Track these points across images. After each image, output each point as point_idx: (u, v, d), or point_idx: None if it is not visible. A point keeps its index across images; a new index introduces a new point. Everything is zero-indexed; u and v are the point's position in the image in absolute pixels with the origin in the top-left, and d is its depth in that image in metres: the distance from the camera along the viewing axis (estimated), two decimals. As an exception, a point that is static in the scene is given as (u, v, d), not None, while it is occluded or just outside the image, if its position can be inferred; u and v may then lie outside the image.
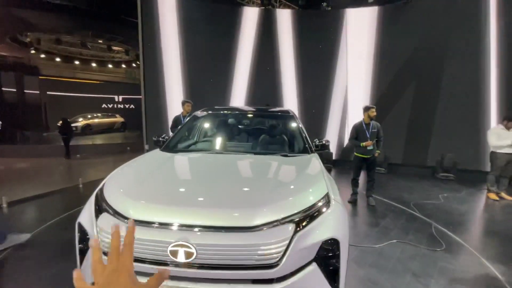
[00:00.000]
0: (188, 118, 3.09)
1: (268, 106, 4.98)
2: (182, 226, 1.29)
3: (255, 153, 2.40)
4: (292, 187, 1.65)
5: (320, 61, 7.42)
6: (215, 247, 1.24)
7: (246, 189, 1.63)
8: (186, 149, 2.61)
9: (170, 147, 2.64)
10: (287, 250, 1.28)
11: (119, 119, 17.21)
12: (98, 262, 0.45)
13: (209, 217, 1.33)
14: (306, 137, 2.72)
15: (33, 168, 7.54)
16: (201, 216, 1.33)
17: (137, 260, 1.28)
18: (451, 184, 5.97)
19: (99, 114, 16.62)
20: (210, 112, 3.18)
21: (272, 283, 1.26)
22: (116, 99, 20.58)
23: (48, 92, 17.36)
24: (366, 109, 4.31)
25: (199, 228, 1.28)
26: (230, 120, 3.10)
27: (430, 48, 6.68)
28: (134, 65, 19.04)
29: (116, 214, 1.41)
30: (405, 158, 7.10)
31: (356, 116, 7.19)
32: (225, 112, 3.17)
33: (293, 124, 2.93)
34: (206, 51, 7.26)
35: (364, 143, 4.24)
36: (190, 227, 1.29)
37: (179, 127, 3.03)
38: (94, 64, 19.17)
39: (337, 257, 1.44)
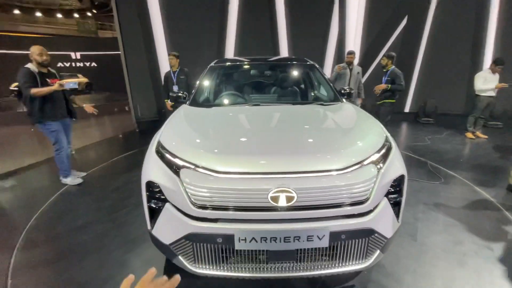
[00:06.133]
0: (206, 71, 2.88)
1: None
2: (280, 174, 1.32)
3: (293, 103, 2.38)
4: (357, 131, 1.72)
5: (314, 10, 7.03)
6: (313, 190, 1.30)
7: (319, 135, 1.66)
8: (217, 103, 2.50)
9: (199, 101, 2.51)
10: (373, 188, 1.39)
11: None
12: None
13: (305, 163, 1.36)
14: (332, 86, 2.73)
15: (5, 139, 6.79)
16: (298, 163, 1.36)
17: (239, 209, 1.32)
18: (432, 127, 6.55)
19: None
20: (228, 63, 2.99)
21: (361, 216, 1.38)
22: (73, 57, 18.23)
23: (-13, 50, 14.81)
24: None
25: (297, 174, 1.32)
26: (252, 71, 2.96)
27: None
28: (89, 14, 16.50)
29: (201, 168, 1.39)
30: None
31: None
32: (244, 63, 3.00)
33: (317, 73, 2.89)
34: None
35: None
36: (288, 173, 1.32)
37: (201, 81, 2.81)
38: (39, 14, 16.29)
39: (401, 191, 1.60)
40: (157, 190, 1.52)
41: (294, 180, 1.31)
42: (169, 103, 4.91)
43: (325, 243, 1.35)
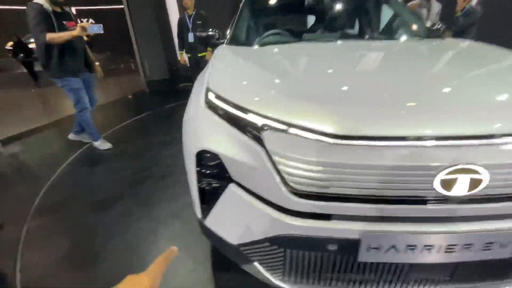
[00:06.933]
0: (244, 2, 2.14)
1: None
2: (456, 139, 0.73)
3: (381, 39, 1.70)
4: None
5: None
6: (517, 167, 0.72)
7: (474, 80, 1.01)
8: (273, 41, 1.79)
9: (242, 40, 1.84)
10: None
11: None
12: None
13: (494, 122, 0.75)
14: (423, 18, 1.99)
15: (11, 101, 6.26)
16: (481, 122, 0.75)
17: (374, 200, 0.76)
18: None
19: (55, 32, 13.57)
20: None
21: None
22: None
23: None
24: None
25: (487, 140, 0.73)
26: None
27: None
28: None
29: (302, 130, 0.80)
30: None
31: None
32: None
33: (395, 2, 2.12)
34: None
35: None
36: (470, 138, 0.72)
37: (242, 13, 2.08)
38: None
39: None
40: (214, 163, 0.97)
41: (483, 151, 0.72)
42: (184, 55, 4.17)
43: (508, 252, 0.81)
